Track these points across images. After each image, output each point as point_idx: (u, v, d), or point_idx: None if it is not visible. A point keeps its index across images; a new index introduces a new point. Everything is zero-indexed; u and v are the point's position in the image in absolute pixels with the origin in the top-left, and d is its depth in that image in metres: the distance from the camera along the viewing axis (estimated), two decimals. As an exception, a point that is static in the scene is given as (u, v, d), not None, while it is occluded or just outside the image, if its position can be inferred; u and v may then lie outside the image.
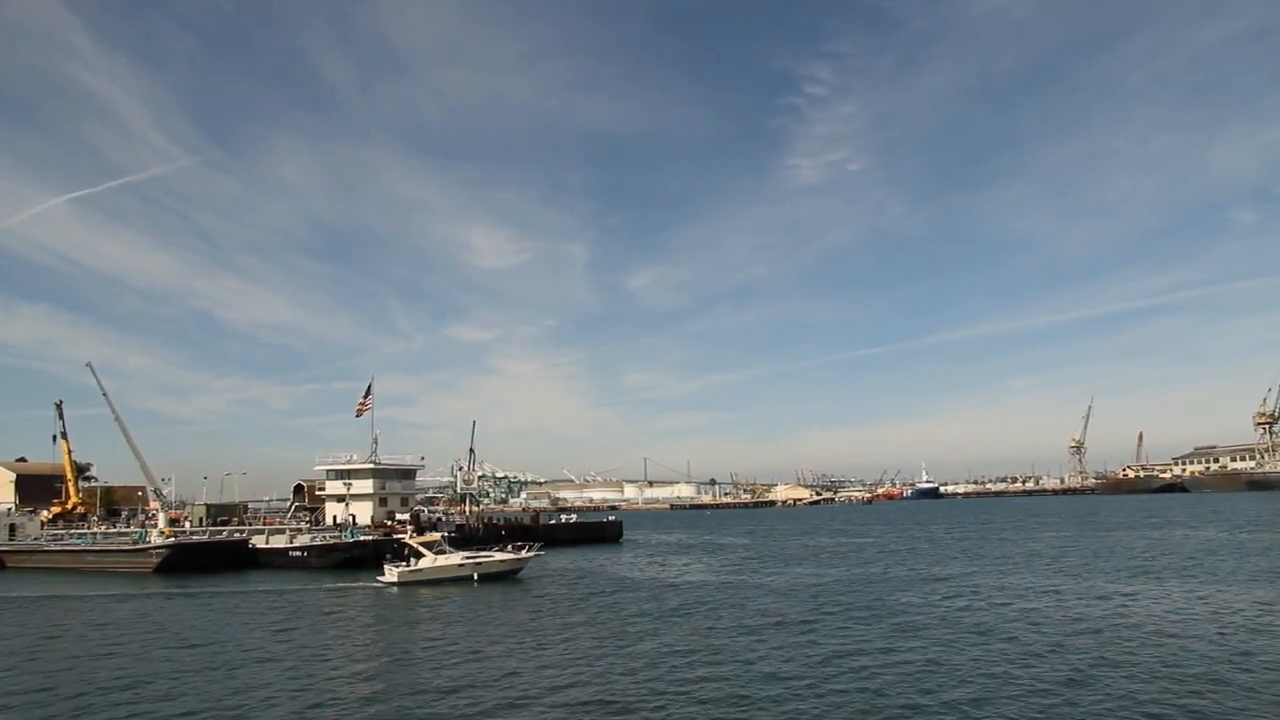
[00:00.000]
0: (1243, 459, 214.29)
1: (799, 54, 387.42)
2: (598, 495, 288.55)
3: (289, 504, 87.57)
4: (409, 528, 58.29)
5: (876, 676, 19.70)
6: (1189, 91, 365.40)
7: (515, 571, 45.83)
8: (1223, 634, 23.58)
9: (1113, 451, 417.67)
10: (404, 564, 44.09)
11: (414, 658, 23.85)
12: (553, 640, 25.85)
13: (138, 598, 42.39)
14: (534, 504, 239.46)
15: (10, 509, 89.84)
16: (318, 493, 77.13)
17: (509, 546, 47.63)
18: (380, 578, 43.86)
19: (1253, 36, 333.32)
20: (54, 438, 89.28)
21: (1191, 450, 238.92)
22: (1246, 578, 36.10)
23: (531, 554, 46.56)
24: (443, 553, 45.36)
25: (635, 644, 24.76)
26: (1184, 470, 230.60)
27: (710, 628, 27.46)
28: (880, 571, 44.69)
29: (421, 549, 44.92)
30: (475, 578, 43.41)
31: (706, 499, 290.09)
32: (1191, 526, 73.60)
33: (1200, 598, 30.70)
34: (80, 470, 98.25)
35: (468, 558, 45.06)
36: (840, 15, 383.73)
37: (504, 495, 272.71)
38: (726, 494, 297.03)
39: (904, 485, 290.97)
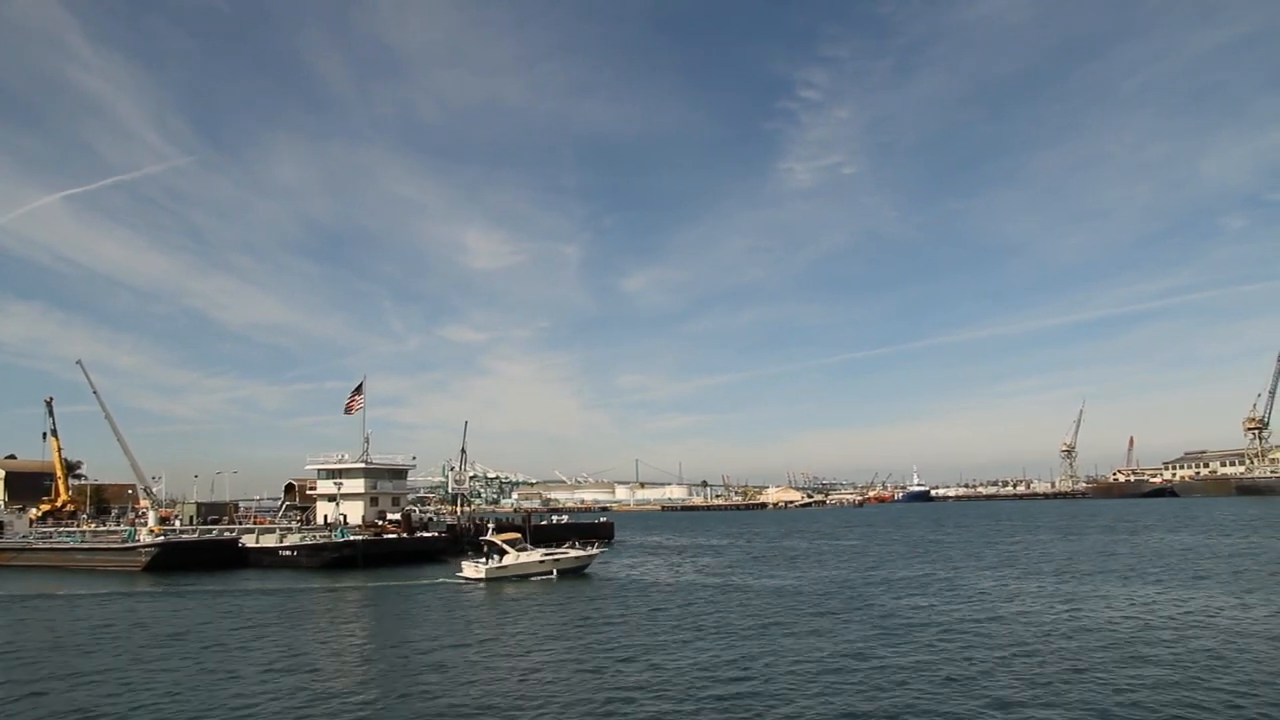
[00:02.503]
0: (1233, 464, 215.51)
1: (795, 58, 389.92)
2: (589, 496, 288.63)
3: (280, 503, 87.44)
4: (486, 529, 59.03)
5: (817, 676, 20.25)
6: (1181, 98, 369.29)
7: (584, 566, 48.38)
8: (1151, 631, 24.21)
9: (1104, 455, 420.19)
10: (487, 561, 45.55)
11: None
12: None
13: (124, 596, 42.36)
14: (526, 504, 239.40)
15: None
16: (309, 492, 77.06)
17: (576, 544, 50.88)
18: (461, 574, 45.31)
19: (1244, 44, 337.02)
20: (44, 435, 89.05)
21: (1182, 455, 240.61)
22: (1196, 580, 36.95)
23: (597, 550, 49.87)
24: (524, 550, 47.19)
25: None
26: (1174, 475, 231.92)
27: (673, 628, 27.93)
28: (848, 575, 45.28)
29: (506, 547, 46.47)
30: (554, 573, 45.57)
31: (698, 501, 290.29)
32: (1169, 531, 74.40)
33: (1153, 600, 31.30)
34: (70, 468, 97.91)
35: (547, 554, 47.41)
36: (836, 20, 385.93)
37: (496, 496, 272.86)
38: (718, 496, 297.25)
39: (895, 488, 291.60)
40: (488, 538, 48.40)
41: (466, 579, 44.59)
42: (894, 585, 39.27)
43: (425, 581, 45.08)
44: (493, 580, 43.92)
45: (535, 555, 46.73)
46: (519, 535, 49.92)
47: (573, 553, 48.28)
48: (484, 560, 45.70)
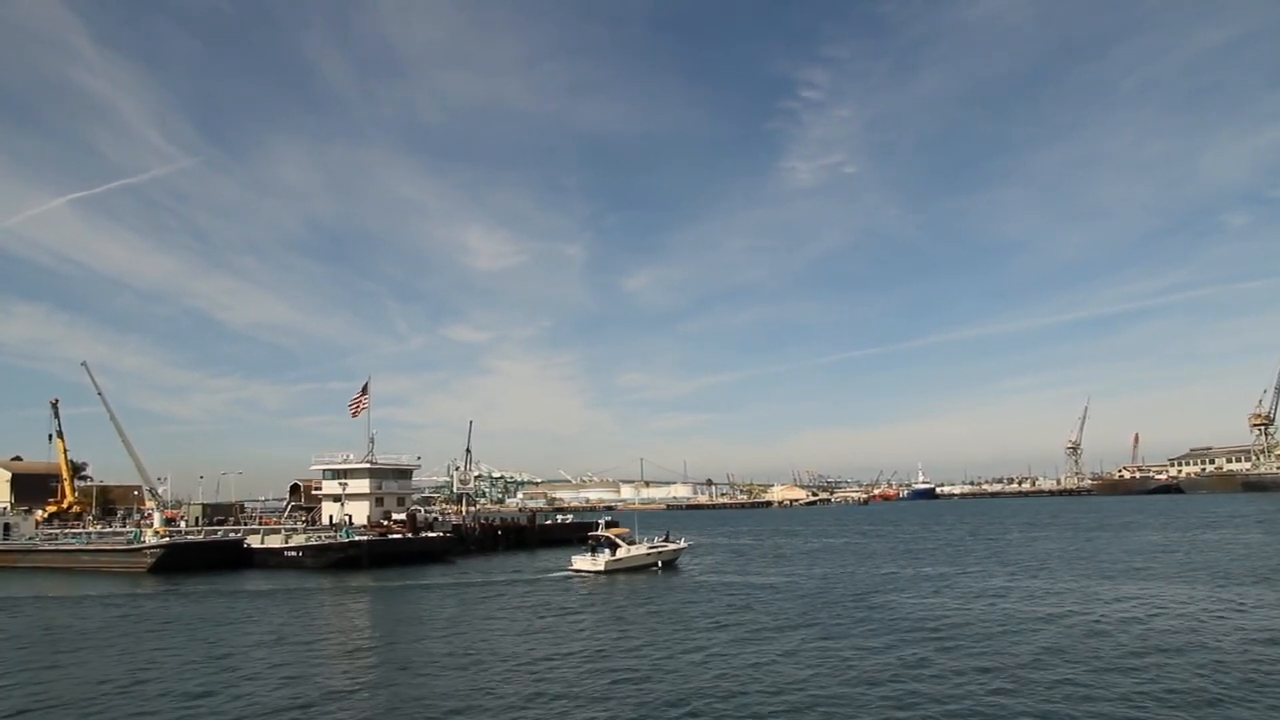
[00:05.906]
0: (1238, 460, 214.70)
1: (796, 58, 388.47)
2: (594, 495, 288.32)
3: (285, 503, 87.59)
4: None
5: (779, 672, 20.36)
6: (1181, 96, 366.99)
7: (677, 558, 52.59)
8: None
9: (1109, 452, 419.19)
10: (598, 555, 47.83)
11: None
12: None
13: (129, 598, 42.24)
14: (530, 504, 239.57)
15: (5, 508, 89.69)
16: (314, 492, 77.14)
17: (668, 537, 54.78)
18: (576, 568, 47.70)
19: (1244, 42, 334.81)
20: (50, 437, 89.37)
21: (1187, 451, 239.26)
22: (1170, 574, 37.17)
23: (686, 544, 55.42)
24: (633, 543, 50.41)
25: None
26: (1179, 471, 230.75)
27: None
28: (829, 572, 45.96)
29: (619, 541, 49.26)
30: (659, 564, 49.55)
31: (703, 499, 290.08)
32: (1159, 529, 74.49)
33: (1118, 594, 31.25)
34: (76, 469, 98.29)
35: (652, 548, 51.44)
36: (837, 20, 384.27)
37: (500, 495, 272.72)
38: (723, 494, 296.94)
39: (900, 486, 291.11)
40: (599, 533, 50.91)
41: (581, 571, 46.93)
42: (894, 580, 39.29)
43: (554, 576, 46.62)
44: (610, 572, 46.47)
45: (643, 549, 50.49)
46: (627, 530, 52.66)
47: (670, 545, 52.43)
48: (593, 553, 47.91)
